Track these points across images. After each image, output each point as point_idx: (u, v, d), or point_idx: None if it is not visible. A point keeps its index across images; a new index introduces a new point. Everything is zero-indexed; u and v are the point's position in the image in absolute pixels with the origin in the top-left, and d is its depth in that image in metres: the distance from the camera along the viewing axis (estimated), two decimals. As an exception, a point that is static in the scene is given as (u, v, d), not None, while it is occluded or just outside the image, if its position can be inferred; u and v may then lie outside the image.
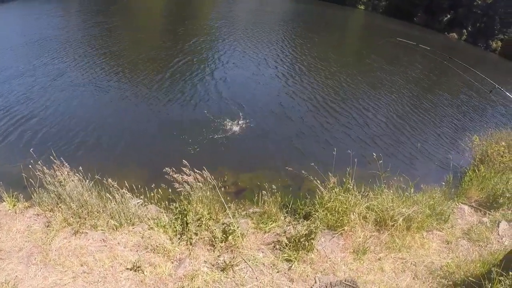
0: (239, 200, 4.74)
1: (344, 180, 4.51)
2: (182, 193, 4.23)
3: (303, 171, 4.54)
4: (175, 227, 3.98)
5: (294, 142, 7.33)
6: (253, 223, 4.30)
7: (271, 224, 4.21)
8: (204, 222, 4.00)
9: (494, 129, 8.43)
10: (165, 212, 4.35)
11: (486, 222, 4.77)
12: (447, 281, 3.73)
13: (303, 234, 3.72)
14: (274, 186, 4.41)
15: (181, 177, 4.21)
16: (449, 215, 4.53)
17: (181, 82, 10.08)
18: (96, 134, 6.73)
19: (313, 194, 4.57)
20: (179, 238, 3.88)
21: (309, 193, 4.68)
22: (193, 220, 3.97)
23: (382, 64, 15.87)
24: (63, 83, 9.19)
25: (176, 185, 4.22)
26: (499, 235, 4.56)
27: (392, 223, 4.21)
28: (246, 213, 4.48)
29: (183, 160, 4.29)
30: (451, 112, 11.52)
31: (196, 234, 3.90)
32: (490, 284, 3.16)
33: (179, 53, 13.01)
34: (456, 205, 5.12)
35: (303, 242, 3.72)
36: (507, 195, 5.15)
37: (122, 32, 15.66)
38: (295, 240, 3.79)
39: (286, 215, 4.47)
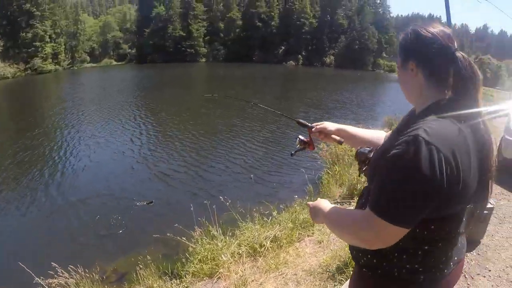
0: (121, 285, 4.53)
1: (210, 229, 4.67)
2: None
3: (168, 234, 4.60)
4: None
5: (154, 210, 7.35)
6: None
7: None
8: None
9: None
10: None
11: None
12: (328, 274, 3.95)
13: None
14: (149, 257, 4.36)
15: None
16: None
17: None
18: None
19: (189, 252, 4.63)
20: None
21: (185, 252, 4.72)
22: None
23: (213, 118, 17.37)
24: None
25: None
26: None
27: (262, 249, 4.41)
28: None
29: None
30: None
31: None
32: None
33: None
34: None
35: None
36: (363, 180, 5.82)
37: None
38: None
39: (169, 281, 4.37)
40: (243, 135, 13.82)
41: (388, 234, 1.08)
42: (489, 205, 3.93)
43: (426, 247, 1.20)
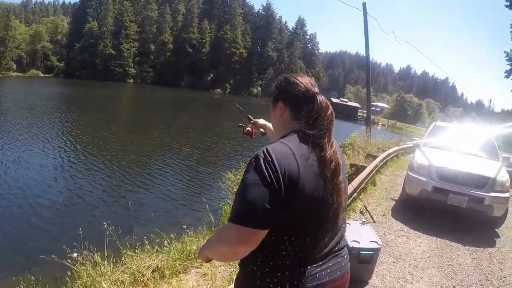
0: None
1: (94, 255, 4.38)
2: None
3: (53, 256, 4.22)
4: None
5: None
6: None
7: None
8: None
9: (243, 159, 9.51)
10: None
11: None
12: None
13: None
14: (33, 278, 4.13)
15: None
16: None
17: None
18: None
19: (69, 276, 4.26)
20: None
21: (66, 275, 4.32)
22: None
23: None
24: None
25: None
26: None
27: (144, 278, 4.23)
28: None
29: None
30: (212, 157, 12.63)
31: None
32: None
33: None
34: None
35: None
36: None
37: None
38: None
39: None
40: (156, 160, 13.31)
41: (246, 237, 1.24)
42: (375, 246, 3.92)
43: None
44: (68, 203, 8.12)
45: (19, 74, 66.48)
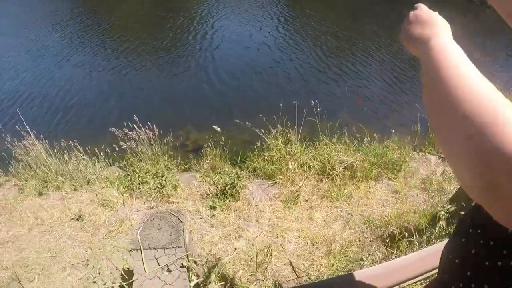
0: (195, 157, 4.86)
1: (290, 131, 4.46)
2: (128, 151, 4.51)
3: (247, 122, 4.55)
4: (125, 183, 4.28)
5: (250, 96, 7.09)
6: (200, 176, 4.42)
7: (215, 176, 4.30)
8: (148, 177, 4.23)
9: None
10: (121, 171, 4.67)
11: (449, 172, 4.41)
12: (381, 231, 3.58)
13: (227, 182, 3.80)
14: (222, 138, 4.51)
15: (128, 135, 4.49)
16: (401, 164, 4.28)
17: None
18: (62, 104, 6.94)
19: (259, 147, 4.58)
20: (124, 192, 4.17)
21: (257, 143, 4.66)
22: (137, 175, 4.24)
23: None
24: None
25: (132, 143, 4.51)
26: (459, 185, 4.21)
27: (333, 172, 4.10)
28: (195, 168, 4.61)
29: (134, 116, 4.49)
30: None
31: (138, 187, 4.15)
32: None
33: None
34: (423, 155, 4.79)
35: (228, 190, 3.80)
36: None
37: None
38: (221, 189, 3.90)
39: (233, 167, 4.53)
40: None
41: None
42: None
43: None
44: (288, 75, 7.89)
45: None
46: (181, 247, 2.05)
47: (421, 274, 1.42)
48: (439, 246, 1.43)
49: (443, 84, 0.55)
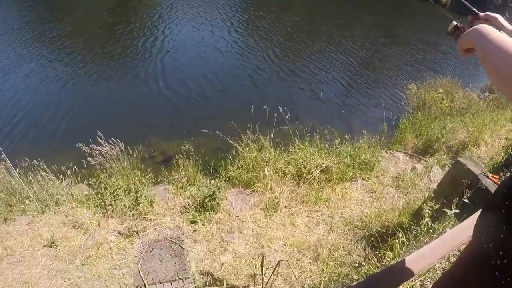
0: (166, 168, 4.59)
1: (261, 138, 4.37)
2: (97, 167, 4.14)
3: (217, 132, 4.35)
4: (96, 201, 3.92)
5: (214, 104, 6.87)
6: (174, 188, 4.17)
7: (189, 188, 4.08)
8: (120, 193, 3.90)
9: (433, 76, 7.78)
10: (91, 189, 4.27)
11: (418, 169, 4.59)
12: (364, 232, 3.59)
13: (207, 194, 3.62)
14: (191, 148, 4.29)
15: (95, 150, 4.10)
16: (374, 163, 4.38)
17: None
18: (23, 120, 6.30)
19: (233, 155, 4.42)
20: (96, 212, 3.81)
21: (230, 152, 4.49)
22: (109, 193, 3.89)
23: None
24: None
25: (100, 158, 4.13)
26: (430, 180, 4.39)
27: (309, 176, 4.07)
28: (167, 180, 4.35)
29: (97, 131, 4.15)
30: (390, 60, 9.95)
31: (111, 205, 3.81)
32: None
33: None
34: (390, 153, 4.96)
35: (208, 202, 3.61)
36: (442, 140, 4.97)
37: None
38: (200, 202, 3.69)
39: (207, 177, 4.33)
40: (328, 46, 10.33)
41: None
42: None
43: None
44: (250, 81, 7.85)
45: None
46: (189, 277, 1.86)
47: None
48: (455, 230, 1.70)
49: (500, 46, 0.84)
